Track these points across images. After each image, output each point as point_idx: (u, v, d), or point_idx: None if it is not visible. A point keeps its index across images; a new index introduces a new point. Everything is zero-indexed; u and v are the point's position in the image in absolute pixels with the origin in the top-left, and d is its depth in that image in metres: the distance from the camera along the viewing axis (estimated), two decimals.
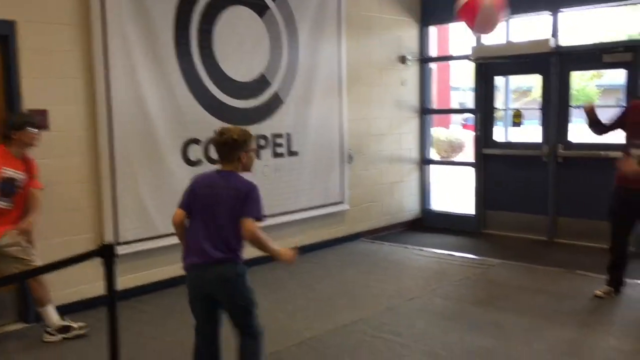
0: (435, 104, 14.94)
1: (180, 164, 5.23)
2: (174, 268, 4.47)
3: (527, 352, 3.81)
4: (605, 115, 4.79)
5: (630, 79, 6.18)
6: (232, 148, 2.99)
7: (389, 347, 3.92)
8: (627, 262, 4.76)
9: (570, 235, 6.62)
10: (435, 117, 19.20)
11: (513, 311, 4.56)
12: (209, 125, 5.41)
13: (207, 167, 5.41)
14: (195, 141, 5.35)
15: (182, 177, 5.16)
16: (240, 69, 5.68)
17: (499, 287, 5.22)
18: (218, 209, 2.96)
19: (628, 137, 4.55)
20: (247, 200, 2.94)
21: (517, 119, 7.08)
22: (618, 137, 6.56)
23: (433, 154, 11.70)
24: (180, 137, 5.24)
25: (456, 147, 17.61)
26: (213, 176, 3.06)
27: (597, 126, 4.73)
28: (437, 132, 17.13)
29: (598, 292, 4.74)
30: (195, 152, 5.35)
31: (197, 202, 3.01)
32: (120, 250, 4.63)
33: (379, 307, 4.71)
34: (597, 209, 5.72)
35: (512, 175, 7.12)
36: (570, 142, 6.67)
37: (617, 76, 6.39)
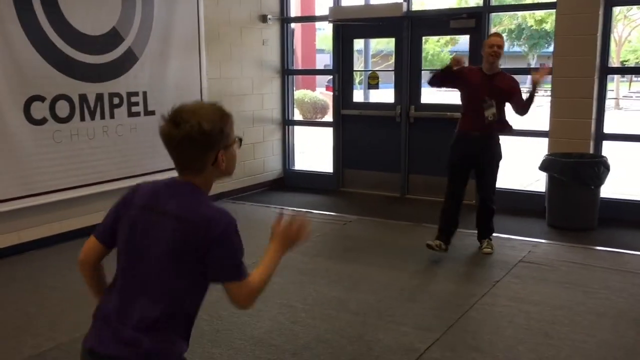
0: (299, 65, 14.98)
1: (23, 122, 4.86)
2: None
3: (374, 299, 4.07)
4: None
5: (473, 45, 6.64)
6: (200, 147, 1.70)
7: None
8: (459, 215, 5.01)
9: (421, 191, 7.08)
10: (301, 80, 19.39)
11: (365, 263, 4.83)
12: (56, 82, 5.10)
13: (54, 126, 5.09)
14: (40, 98, 4.99)
15: (25, 137, 4.83)
16: (90, 22, 5.34)
17: (353, 242, 5.50)
18: (149, 252, 1.71)
19: (472, 98, 4.79)
20: (217, 248, 1.69)
21: (373, 80, 7.37)
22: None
23: (297, 116, 11.90)
24: (22, 94, 4.86)
25: (320, 109, 17.97)
26: (160, 189, 1.78)
27: (437, 78, 4.87)
28: (301, 94, 17.37)
29: (430, 242, 4.90)
30: (40, 109, 4.99)
31: (122, 231, 1.76)
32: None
33: None
34: (445, 165, 6.13)
35: (368, 135, 7.43)
36: (420, 104, 7.08)
37: (467, 42, 6.81)
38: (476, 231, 5.14)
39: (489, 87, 4.73)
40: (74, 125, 5.25)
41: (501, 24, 27.86)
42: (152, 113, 5.95)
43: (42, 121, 5.00)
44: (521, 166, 9.01)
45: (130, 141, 5.76)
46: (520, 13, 27.48)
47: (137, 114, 5.82)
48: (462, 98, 4.94)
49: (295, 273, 4.62)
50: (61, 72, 5.12)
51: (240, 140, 1.81)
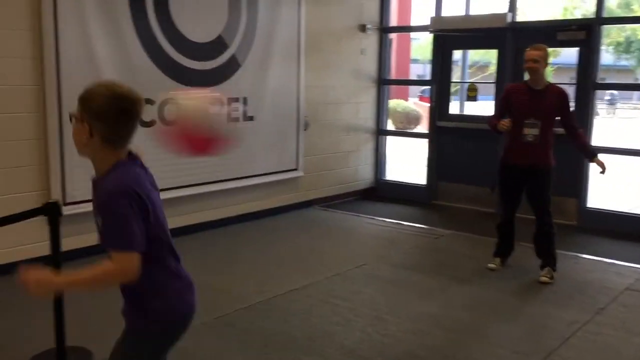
0: (393, 75, 14.94)
1: None
2: None
3: (467, 317, 3.94)
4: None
5: (582, 58, 6.33)
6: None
7: (337, 312, 3.99)
8: (514, 233, 4.89)
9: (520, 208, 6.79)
10: (393, 89, 19.32)
11: (456, 279, 4.69)
12: (163, 86, 5.32)
13: (161, 129, 5.32)
14: (149, 101, 5.23)
15: (135, 138, 5.08)
16: (197, 30, 5.56)
17: (445, 256, 5.36)
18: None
19: (516, 119, 4.54)
20: (104, 219, 1.85)
21: (471, 92, 7.19)
22: None
23: (389, 125, 11.82)
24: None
25: (412, 119, 17.78)
26: (142, 169, 2.02)
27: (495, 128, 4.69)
28: (394, 103, 17.25)
29: (490, 265, 4.87)
30: (149, 112, 5.23)
31: (156, 214, 1.92)
32: (67, 210, 4.52)
33: (329, 273, 4.77)
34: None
35: (464, 148, 7.25)
36: None
37: (571, 55, 6.51)
38: (539, 257, 4.74)
39: (536, 103, 4.46)
40: None
41: (609, 36, 26.48)
42: (251, 119, 6.10)
43: (151, 123, 5.24)
44: (629, 186, 8.48)
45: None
46: (629, 25, 26.15)
47: (237, 119, 5.98)
48: (510, 119, 4.60)
49: (386, 285, 4.57)
50: (170, 77, 5.35)
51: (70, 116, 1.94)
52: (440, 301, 4.24)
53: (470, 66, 17.86)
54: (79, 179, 4.77)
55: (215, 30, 5.71)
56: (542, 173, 4.57)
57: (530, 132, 4.48)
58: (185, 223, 5.70)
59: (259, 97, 6.16)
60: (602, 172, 4.54)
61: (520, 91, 4.62)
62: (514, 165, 4.61)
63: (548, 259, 4.66)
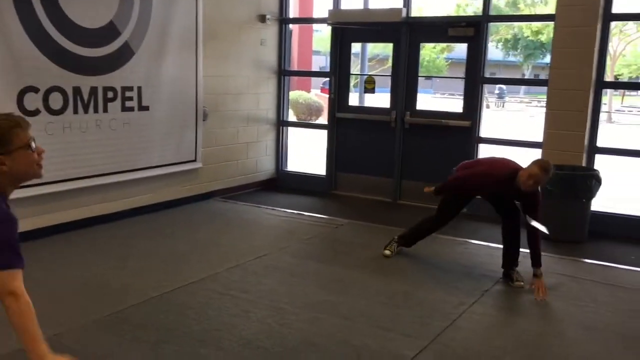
0: (295, 66, 14.97)
1: (16, 113, 4.80)
2: None
3: (364, 304, 4.06)
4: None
5: (471, 53, 6.65)
6: None
7: (236, 304, 3.98)
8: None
9: (413, 197, 7.06)
10: (296, 80, 19.37)
11: (355, 268, 4.81)
12: (51, 73, 5.05)
13: (47, 118, 5.05)
14: (34, 89, 4.94)
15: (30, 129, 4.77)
16: (87, 15, 5.30)
17: (344, 245, 5.48)
18: None
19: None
20: None
21: (369, 85, 7.37)
22: (456, 105, 7.10)
23: (291, 116, 11.87)
24: (16, 85, 4.81)
25: (314, 111, 17.95)
26: None
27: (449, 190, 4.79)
28: (296, 95, 17.34)
29: (386, 252, 5.05)
30: (34, 100, 4.95)
31: None
32: None
33: (228, 264, 4.74)
34: (438, 172, 6.12)
35: (362, 139, 7.42)
36: (416, 110, 7.08)
37: (463, 50, 6.83)
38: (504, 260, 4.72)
39: (511, 193, 4.46)
40: (67, 117, 5.20)
41: (497, 33, 28.00)
42: (146, 108, 5.92)
43: (35, 112, 4.94)
44: None
45: (122, 136, 5.71)
46: (516, 23, 27.76)
47: (131, 108, 5.77)
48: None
49: (286, 275, 4.60)
50: (56, 64, 5.08)
51: (29, 144, 1.97)
52: (338, 289, 4.33)
53: (370, 59, 18.29)
54: None
55: (107, 15, 5.47)
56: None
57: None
58: (78, 217, 5.46)
59: (154, 87, 5.98)
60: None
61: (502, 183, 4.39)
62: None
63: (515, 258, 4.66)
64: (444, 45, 22.04)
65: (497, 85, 28.32)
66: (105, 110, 5.52)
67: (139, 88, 5.83)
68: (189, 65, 6.38)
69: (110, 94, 5.55)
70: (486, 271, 4.82)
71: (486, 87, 7.69)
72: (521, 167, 4.34)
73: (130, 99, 5.76)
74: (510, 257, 4.65)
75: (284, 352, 3.35)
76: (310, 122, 15.64)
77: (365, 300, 4.13)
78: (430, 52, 25.62)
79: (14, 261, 1.87)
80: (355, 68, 8.83)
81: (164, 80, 6.09)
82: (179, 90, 6.28)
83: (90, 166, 5.46)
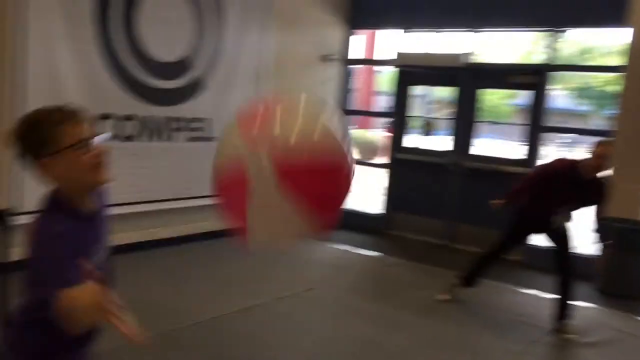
0: (358, 106, 15.15)
1: None
2: None
3: (406, 343, 4.06)
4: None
5: (534, 101, 6.62)
6: (20, 155, 1.61)
7: (283, 334, 4.07)
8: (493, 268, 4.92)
9: (469, 241, 6.99)
10: (360, 120, 19.54)
11: (401, 307, 4.81)
12: (124, 102, 5.38)
13: (118, 144, 5.36)
14: (107, 117, 5.28)
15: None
16: (163, 48, 5.65)
17: (393, 284, 5.49)
18: None
19: (553, 200, 4.49)
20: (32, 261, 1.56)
21: (427, 127, 7.43)
22: (516, 152, 7.02)
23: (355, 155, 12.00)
24: (94, 111, 5.16)
25: (374, 150, 18.06)
26: None
27: (517, 195, 4.69)
28: (358, 134, 17.53)
29: (441, 297, 4.93)
30: (106, 128, 5.28)
31: None
32: (22, 219, 4.50)
33: (278, 294, 4.84)
34: (495, 217, 6.06)
35: (420, 181, 7.45)
36: (475, 155, 7.07)
37: (528, 97, 6.81)
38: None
39: (578, 193, 4.41)
40: (136, 145, 5.51)
41: (568, 82, 27.46)
42: (212, 139, 6.18)
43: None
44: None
45: (188, 164, 5.97)
46: (582, 73, 27.18)
47: (198, 138, 6.05)
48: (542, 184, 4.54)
49: (333, 309, 4.68)
50: (129, 93, 5.42)
51: (80, 143, 1.56)
52: (384, 328, 4.34)
53: (435, 102, 18.34)
54: (34, 189, 4.76)
55: (181, 50, 5.81)
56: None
57: (561, 219, 4.47)
58: (142, 239, 5.70)
59: (221, 119, 6.25)
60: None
61: (568, 176, 4.40)
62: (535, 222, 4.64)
63: (565, 309, 4.50)
64: (510, 91, 21.84)
65: (570, 134, 27.63)
66: (172, 139, 5.82)
67: (207, 120, 6.11)
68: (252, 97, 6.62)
69: (178, 124, 5.85)
70: (537, 321, 4.71)
71: (554, 136, 7.60)
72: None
73: (198, 129, 6.05)
74: (562, 308, 4.52)
75: None
76: (369, 161, 15.72)
77: (411, 341, 4.13)
78: (495, 97, 25.41)
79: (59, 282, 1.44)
80: (419, 110, 8.88)
81: (230, 113, 6.33)
82: None
83: (154, 191, 5.72)
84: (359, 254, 6.50)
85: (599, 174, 4.39)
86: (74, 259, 1.48)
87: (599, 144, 4.37)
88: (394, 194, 7.68)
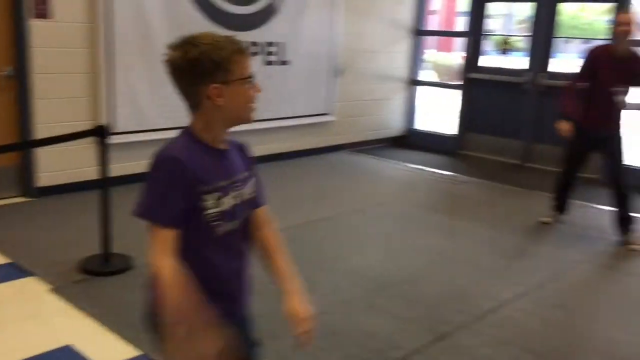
0: (438, 27, 14.76)
1: None
2: None
3: (470, 253, 4.27)
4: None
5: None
6: (186, 77, 1.55)
7: (352, 241, 4.39)
8: (574, 189, 4.92)
9: (543, 160, 6.98)
10: (440, 41, 19.06)
11: (468, 219, 5.01)
12: (203, 28, 5.66)
13: None
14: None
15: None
16: None
17: (461, 200, 5.67)
18: None
19: (603, 85, 4.45)
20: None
21: (504, 45, 7.30)
22: None
23: (430, 76, 11.91)
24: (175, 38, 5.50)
25: (452, 72, 17.67)
26: None
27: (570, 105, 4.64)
28: (438, 56, 17.17)
29: (544, 219, 4.98)
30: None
31: None
32: (114, 139, 4.99)
33: (349, 208, 5.16)
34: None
35: (494, 100, 7.41)
36: (551, 72, 6.92)
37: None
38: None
39: (621, 71, 4.39)
40: None
41: None
42: (287, 63, 6.42)
43: None
44: None
45: (264, 88, 6.24)
46: None
47: (273, 62, 6.31)
48: (589, 86, 4.53)
49: (401, 221, 4.94)
50: (208, 19, 5.70)
51: (250, 78, 1.59)
52: (450, 237, 4.57)
53: (518, 21, 17.55)
54: (125, 111, 5.24)
55: None
56: (617, 138, 4.55)
57: (618, 99, 4.43)
58: None
59: (295, 42, 6.45)
60: None
61: (606, 56, 4.47)
62: (591, 132, 4.56)
63: (625, 224, 4.58)
64: (607, 5, 20.41)
65: None
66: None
67: (281, 43, 6.33)
68: (327, 22, 6.76)
69: (254, 49, 6.12)
70: (605, 234, 4.78)
71: None
72: None
73: (273, 53, 6.29)
74: (623, 220, 4.58)
75: (387, 284, 3.69)
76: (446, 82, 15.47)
77: (475, 249, 4.35)
78: (591, 13, 23.81)
79: (151, 212, 1.50)
80: (496, 29, 8.67)
81: (304, 37, 6.54)
82: (317, 46, 6.70)
83: None
84: (431, 172, 6.67)
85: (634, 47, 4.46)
86: (179, 191, 1.49)
87: (620, 13, 4.45)
88: (467, 115, 7.69)
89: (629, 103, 4.60)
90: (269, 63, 6.29)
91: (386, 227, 4.75)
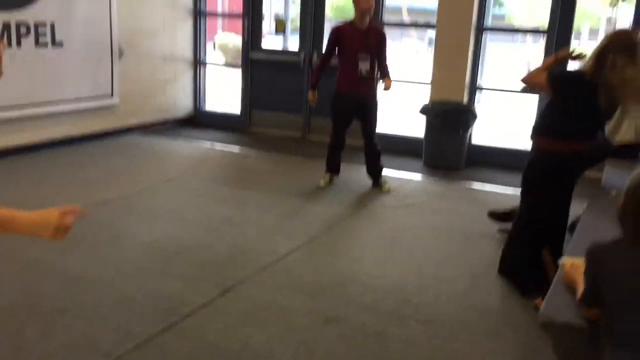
0: (224, 7, 14.94)
1: None
2: None
3: (255, 217, 4.69)
4: None
5: None
6: None
7: (142, 217, 4.53)
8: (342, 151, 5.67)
9: (320, 132, 7.65)
10: (228, 22, 19.25)
11: (254, 189, 5.42)
12: None
13: None
14: None
15: None
16: None
17: (248, 172, 6.08)
18: None
19: (349, 54, 5.23)
20: None
21: (280, 26, 7.81)
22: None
23: (218, 57, 12.12)
24: None
25: (236, 53, 18.07)
26: None
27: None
28: (225, 38, 17.44)
29: (321, 182, 5.62)
30: None
31: None
32: None
33: (138, 187, 5.26)
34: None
35: (275, 78, 7.91)
36: (321, 52, 7.58)
37: None
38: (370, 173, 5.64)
39: (364, 41, 5.22)
40: None
41: None
42: (60, 44, 6.20)
43: None
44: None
45: (36, 71, 5.99)
46: None
47: (45, 44, 6.05)
48: (339, 56, 5.31)
49: (190, 195, 5.18)
50: None
51: None
52: (236, 206, 4.93)
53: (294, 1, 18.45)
54: None
55: None
56: (371, 103, 5.40)
57: (363, 66, 5.19)
58: None
59: (68, 23, 6.25)
60: (386, 89, 5.41)
61: (349, 31, 5.22)
62: (348, 96, 5.30)
63: (378, 173, 5.59)
64: None
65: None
66: (19, 44, 5.79)
67: (52, 24, 6.09)
68: (102, 2, 6.63)
69: (23, 30, 5.81)
70: (371, 191, 5.52)
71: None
72: None
73: (44, 34, 6.03)
74: (375, 171, 5.57)
75: (180, 252, 3.94)
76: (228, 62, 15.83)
77: (259, 214, 4.76)
78: None
79: None
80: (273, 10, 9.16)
81: (78, 17, 6.35)
82: (93, 27, 6.55)
83: (4, 98, 5.73)
84: (221, 149, 6.97)
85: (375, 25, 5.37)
86: None
87: None
88: (251, 93, 8.10)
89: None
90: (41, 45, 6.01)
91: (178, 202, 4.96)
